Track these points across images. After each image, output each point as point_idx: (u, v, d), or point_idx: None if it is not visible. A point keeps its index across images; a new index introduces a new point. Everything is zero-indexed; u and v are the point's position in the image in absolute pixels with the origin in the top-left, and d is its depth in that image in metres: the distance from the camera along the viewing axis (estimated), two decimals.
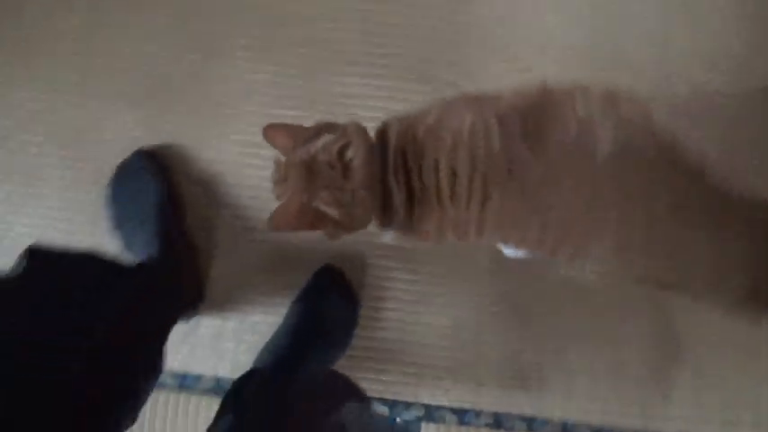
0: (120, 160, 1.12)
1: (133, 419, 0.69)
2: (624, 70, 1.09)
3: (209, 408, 1.11)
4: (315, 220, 0.63)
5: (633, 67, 1.10)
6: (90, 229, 1.14)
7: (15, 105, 1.14)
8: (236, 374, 1.07)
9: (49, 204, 1.14)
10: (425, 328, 1.11)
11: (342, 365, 1.09)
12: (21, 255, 0.71)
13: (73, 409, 0.58)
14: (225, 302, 1.14)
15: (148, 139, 1.13)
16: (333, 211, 0.63)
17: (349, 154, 0.63)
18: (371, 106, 1.13)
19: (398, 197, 0.63)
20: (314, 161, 0.63)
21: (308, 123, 0.69)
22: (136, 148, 1.12)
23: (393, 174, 0.63)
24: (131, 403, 0.70)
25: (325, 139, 0.64)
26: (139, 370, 0.72)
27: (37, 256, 0.71)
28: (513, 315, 1.08)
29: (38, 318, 0.60)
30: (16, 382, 0.53)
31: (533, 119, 0.62)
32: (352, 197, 0.63)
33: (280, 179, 0.66)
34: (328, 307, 1.06)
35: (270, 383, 0.85)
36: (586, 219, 0.61)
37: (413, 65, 1.14)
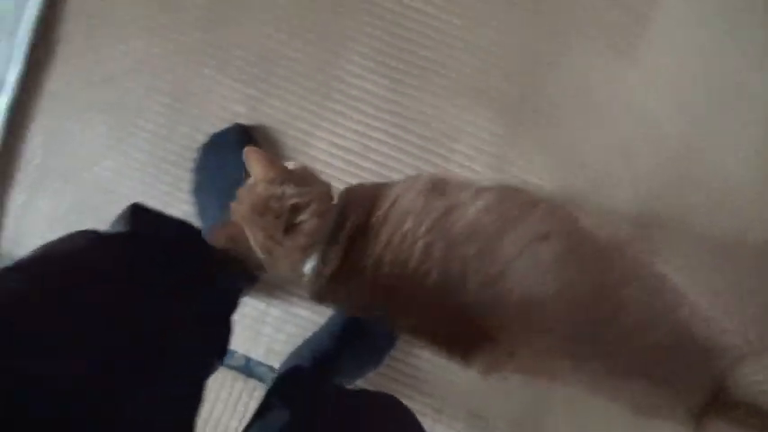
0: (215, 130, 1.16)
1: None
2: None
3: (233, 383, 1.14)
4: (244, 249, 0.66)
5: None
6: (168, 189, 1.18)
7: (140, 52, 1.18)
8: (270, 360, 1.11)
9: (136, 155, 1.18)
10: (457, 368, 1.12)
11: (368, 381, 1.12)
12: (123, 212, 0.73)
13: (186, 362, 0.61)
14: (275, 289, 1.17)
15: (249, 118, 1.16)
16: (258, 253, 0.66)
17: (302, 217, 0.65)
18: (474, 146, 1.15)
19: (330, 267, 0.65)
20: (266, 204, 0.66)
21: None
22: (235, 123, 1.15)
23: (335, 246, 0.65)
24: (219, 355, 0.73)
25: (288, 190, 0.66)
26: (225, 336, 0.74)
27: (141, 217, 0.73)
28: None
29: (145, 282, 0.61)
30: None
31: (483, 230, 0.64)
32: (284, 252, 0.65)
33: (239, 200, 0.70)
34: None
35: (317, 385, 0.87)
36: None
37: (512, 109, 1.15)
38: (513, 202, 0.67)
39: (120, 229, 0.71)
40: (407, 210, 0.66)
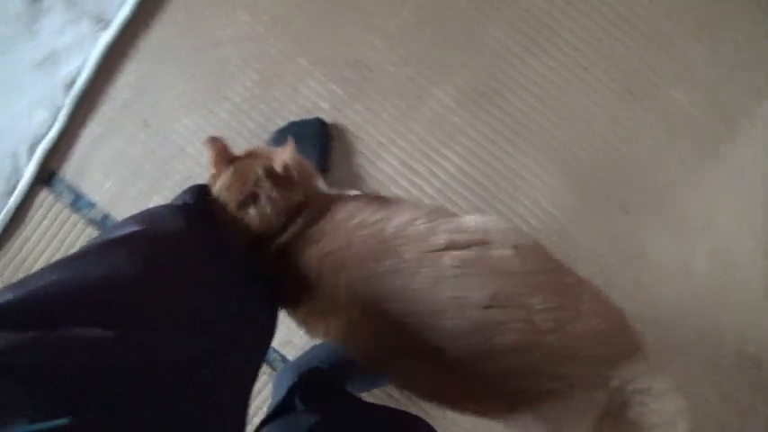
0: (294, 118, 1.19)
1: None
2: None
3: None
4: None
5: None
6: None
7: (246, 27, 1.21)
8: (285, 350, 1.13)
9: (214, 121, 1.21)
10: None
11: (376, 395, 1.14)
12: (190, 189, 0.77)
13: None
14: None
15: (329, 115, 1.19)
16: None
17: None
18: (537, 203, 1.16)
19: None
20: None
21: None
22: (316, 116, 1.18)
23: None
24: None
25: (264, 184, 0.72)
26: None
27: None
28: None
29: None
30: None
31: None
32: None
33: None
34: None
35: (338, 390, 0.88)
36: None
37: (586, 185, 1.16)
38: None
39: (189, 200, 0.76)
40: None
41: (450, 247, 0.66)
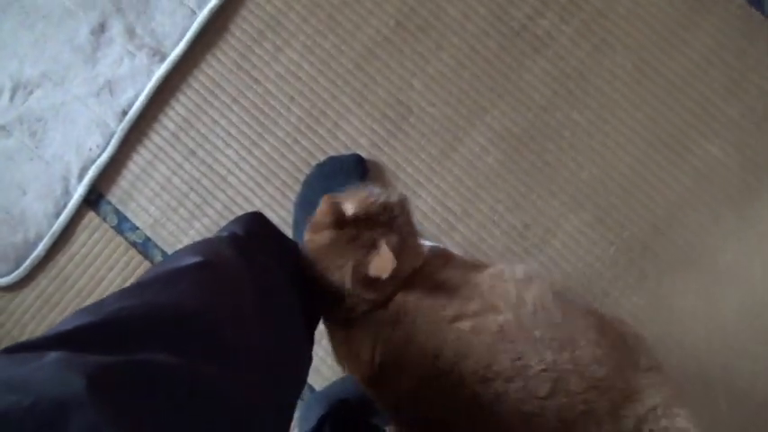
0: (333, 153, 1.23)
1: None
2: None
3: None
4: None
5: None
6: (273, 192, 1.25)
7: (293, 65, 1.27)
8: (312, 379, 1.14)
9: (256, 152, 1.26)
10: None
11: None
12: (248, 218, 0.80)
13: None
14: None
15: (368, 152, 1.23)
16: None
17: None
18: (569, 247, 1.18)
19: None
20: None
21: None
22: (355, 152, 1.22)
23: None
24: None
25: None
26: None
27: (259, 224, 0.79)
28: None
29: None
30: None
31: None
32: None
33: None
34: None
35: (367, 420, 0.90)
36: None
37: (620, 237, 1.18)
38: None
39: (238, 231, 0.77)
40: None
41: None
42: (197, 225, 1.26)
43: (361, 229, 0.75)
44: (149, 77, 1.26)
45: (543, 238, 1.20)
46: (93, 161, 1.26)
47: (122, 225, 1.27)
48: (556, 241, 1.20)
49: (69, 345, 0.41)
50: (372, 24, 1.25)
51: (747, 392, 1.15)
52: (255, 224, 0.81)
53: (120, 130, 1.26)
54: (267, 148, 1.26)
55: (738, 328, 1.15)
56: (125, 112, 1.26)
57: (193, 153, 1.27)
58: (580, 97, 1.22)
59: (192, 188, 1.27)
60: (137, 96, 1.26)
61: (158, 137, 1.28)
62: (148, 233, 1.26)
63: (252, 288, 0.61)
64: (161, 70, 1.25)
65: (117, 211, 1.27)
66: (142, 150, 1.28)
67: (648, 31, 1.21)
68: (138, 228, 1.27)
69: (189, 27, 1.25)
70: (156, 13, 1.26)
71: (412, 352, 0.70)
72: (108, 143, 1.26)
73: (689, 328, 1.16)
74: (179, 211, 1.26)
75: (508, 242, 1.20)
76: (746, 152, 1.19)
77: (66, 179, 1.26)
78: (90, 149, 1.26)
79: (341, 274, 0.74)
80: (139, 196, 1.27)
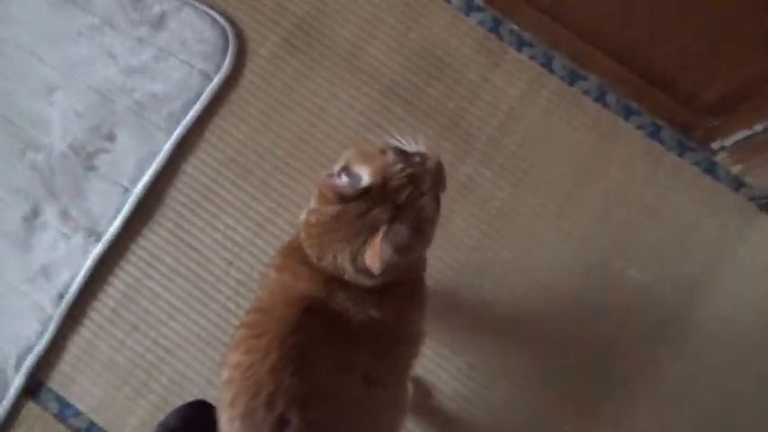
0: None
1: None
2: None
3: None
4: None
5: None
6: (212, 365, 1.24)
7: (231, 231, 1.29)
8: None
9: (202, 322, 1.25)
10: None
11: None
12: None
13: None
14: None
15: None
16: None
17: None
18: None
19: None
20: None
21: None
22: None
23: None
24: None
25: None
26: None
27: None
28: None
29: None
30: None
31: None
32: None
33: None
34: None
35: None
36: None
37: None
38: None
39: (175, 423, 0.79)
40: None
41: None
42: (143, 403, 1.23)
43: (375, 203, 0.69)
44: (85, 258, 1.26)
45: (492, 378, 1.21)
46: (31, 349, 1.23)
47: (65, 411, 1.23)
48: (503, 380, 1.21)
49: None
50: (305, 185, 1.30)
51: None
52: (195, 412, 0.80)
53: (58, 313, 1.24)
54: (211, 316, 1.26)
55: None
56: (62, 295, 1.25)
57: (136, 328, 1.26)
58: (508, 235, 1.28)
59: (136, 364, 1.25)
60: (73, 278, 1.25)
61: (98, 315, 1.27)
62: (93, 416, 1.23)
63: None
64: (97, 249, 1.26)
65: (58, 398, 1.23)
66: (82, 331, 1.26)
67: (563, 168, 1.30)
68: (81, 412, 1.23)
69: (123, 205, 1.27)
70: (89, 194, 1.28)
71: None
72: (45, 328, 1.24)
73: None
74: (124, 390, 1.24)
75: (457, 385, 1.21)
76: (679, 273, 1.25)
77: (2, 371, 1.22)
78: (27, 337, 1.23)
79: (341, 258, 0.71)
80: (82, 378, 1.24)
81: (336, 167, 0.73)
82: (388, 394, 0.80)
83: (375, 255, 0.67)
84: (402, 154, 0.73)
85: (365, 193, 0.69)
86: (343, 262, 0.72)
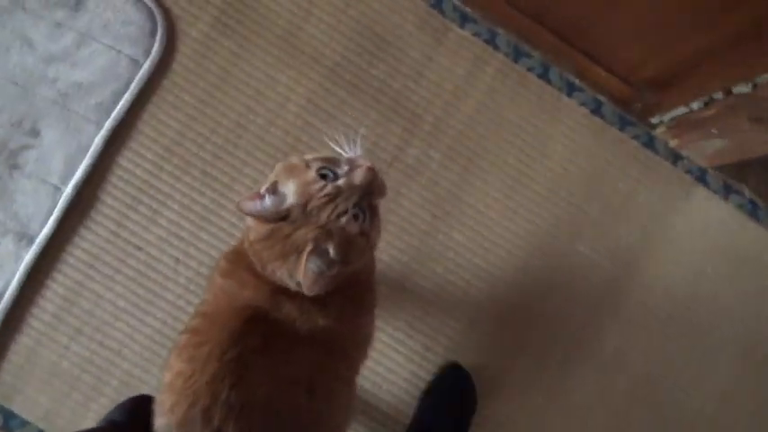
0: None
1: None
2: None
3: None
4: None
5: None
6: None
7: (174, 226, 1.24)
8: None
9: (151, 321, 1.23)
10: None
11: None
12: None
13: None
14: None
15: None
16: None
17: None
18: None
19: None
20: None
21: None
22: None
23: None
24: None
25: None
26: None
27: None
28: None
29: None
30: None
31: None
32: None
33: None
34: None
35: None
36: None
37: None
38: None
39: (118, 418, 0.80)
40: None
41: None
42: (95, 407, 1.20)
43: (299, 224, 0.69)
44: (18, 263, 1.19)
45: (446, 359, 1.24)
46: None
47: (10, 423, 1.19)
48: (457, 359, 1.24)
49: None
50: (248, 174, 1.25)
51: None
52: (139, 407, 0.79)
53: None
54: (160, 315, 1.23)
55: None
56: None
57: (80, 332, 1.21)
58: (458, 217, 1.28)
59: (83, 369, 1.21)
60: (7, 285, 1.19)
61: (38, 322, 1.21)
62: (42, 425, 1.19)
63: None
64: (30, 254, 1.19)
65: (2, 409, 1.19)
66: (22, 339, 1.21)
67: (509, 147, 1.30)
68: (28, 422, 1.19)
69: (55, 204, 1.20)
70: (16, 194, 1.20)
71: None
72: None
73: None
74: (72, 396, 1.20)
75: (413, 368, 1.24)
76: (618, 244, 1.30)
77: None
78: None
79: (279, 274, 0.72)
80: (26, 387, 1.20)
81: (265, 186, 0.72)
82: (332, 405, 0.81)
83: (303, 275, 0.67)
84: (329, 166, 0.72)
85: (289, 213, 0.69)
86: (282, 277, 0.72)
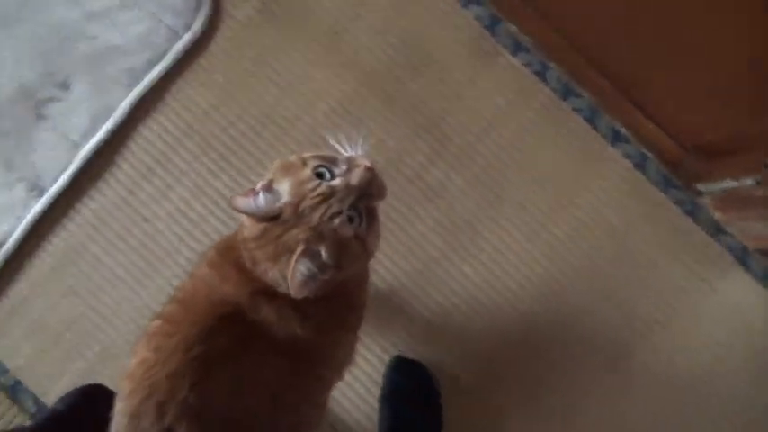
0: None
1: None
2: None
3: None
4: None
5: None
6: None
7: (183, 204, 1.23)
8: None
9: (143, 294, 1.22)
10: None
11: None
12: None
13: None
14: None
15: None
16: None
17: None
18: None
19: None
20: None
21: None
22: None
23: None
24: None
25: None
26: None
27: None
28: None
29: None
30: None
31: None
32: None
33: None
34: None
35: None
36: None
37: None
38: None
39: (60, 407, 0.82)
40: None
41: None
42: (71, 367, 1.20)
43: (291, 224, 0.66)
44: (26, 211, 1.20)
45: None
46: None
47: None
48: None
49: None
50: (266, 166, 1.22)
51: None
52: (85, 397, 0.76)
53: None
54: (154, 290, 1.22)
55: None
56: (1, 246, 1.19)
57: (74, 291, 1.21)
58: (470, 250, 1.22)
59: (68, 328, 1.21)
60: (12, 229, 1.19)
61: (36, 272, 1.22)
62: (19, 376, 1.20)
63: None
64: (39, 205, 1.19)
65: None
66: (18, 285, 1.22)
67: (537, 187, 1.23)
68: (8, 370, 1.20)
69: (71, 161, 1.20)
70: (36, 144, 1.21)
71: None
72: None
73: None
74: (53, 352, 1.20)
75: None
76: (635, 312, 1.21)
77: None
78: None
79: (271, 274, 0.69)
80: (14, 334, 1.21)
81: (261, 182, 0.69)
82: (296, 420, 0.77)
83: (291, 277, 0.64)
84: (326, 165, 0.68)
85: (282, 212, 0.66)
86: (275, 278, 0.69)
